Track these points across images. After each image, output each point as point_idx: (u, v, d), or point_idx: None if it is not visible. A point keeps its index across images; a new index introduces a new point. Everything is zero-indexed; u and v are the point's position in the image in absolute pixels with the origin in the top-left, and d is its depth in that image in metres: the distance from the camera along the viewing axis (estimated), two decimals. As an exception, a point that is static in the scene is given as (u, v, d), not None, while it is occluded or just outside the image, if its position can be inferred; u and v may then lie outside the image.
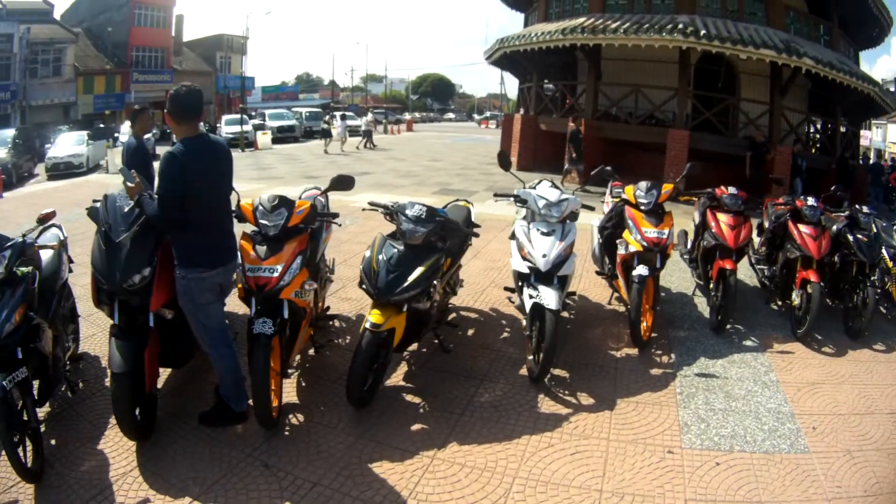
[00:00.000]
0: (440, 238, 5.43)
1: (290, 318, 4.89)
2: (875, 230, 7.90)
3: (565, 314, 7.40)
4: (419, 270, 5.04)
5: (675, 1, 19.20)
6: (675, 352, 6.94)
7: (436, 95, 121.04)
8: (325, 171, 20.89)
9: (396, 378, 5.89)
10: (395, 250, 5.16)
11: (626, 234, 6.86)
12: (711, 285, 7.82)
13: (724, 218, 7.63)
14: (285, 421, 5.03)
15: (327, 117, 36.70)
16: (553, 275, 5.77)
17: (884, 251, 7.97)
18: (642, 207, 6.90)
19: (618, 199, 7.59)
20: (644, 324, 6.76)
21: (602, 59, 20.62)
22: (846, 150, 21.55)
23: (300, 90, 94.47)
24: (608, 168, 7.81)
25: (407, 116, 70.70)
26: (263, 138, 34.57)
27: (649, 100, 19.53)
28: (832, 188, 9.04)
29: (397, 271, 5.01)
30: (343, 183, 5.82)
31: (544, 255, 5.70)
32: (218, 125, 39.32)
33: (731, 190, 7.93)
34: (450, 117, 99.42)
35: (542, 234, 5.84)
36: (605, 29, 18.23)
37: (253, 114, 46.15)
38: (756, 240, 9.02)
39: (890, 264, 8.06)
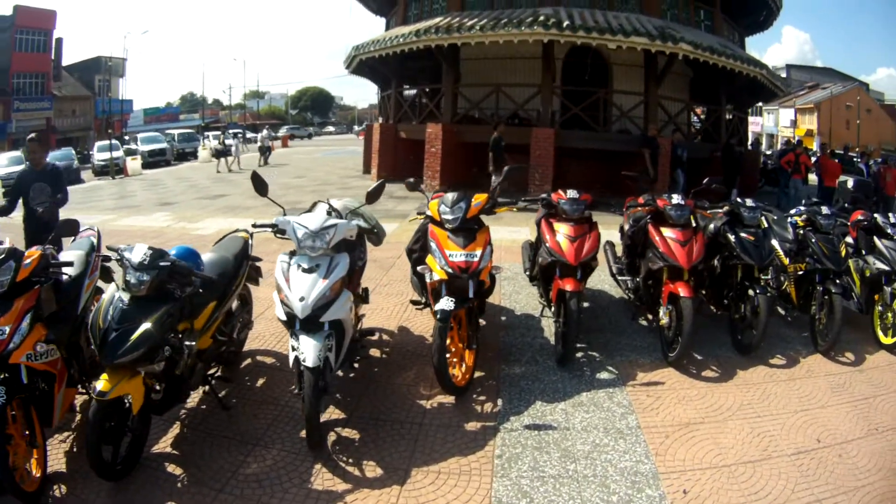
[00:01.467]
0: (181, 284, 4.77)
1: (42, 381, 4.53)
2: (766, 224, 7.34)
3: (376, 353, 6.55)
4: (145, 327, 4.39)
5: (540, -7, 18.58)
6: (504, 396, 5.57)
7: (316, 109, 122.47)
8: (181, 197, 20.70)
9: (166, 442, 5.02)
10: (121, 303, 4.54)
11: (429, 258, 5.83)
12: (553, 309, 6.62)
13: (562, 228, 6.53)
14: (50, 492, 4.40)
15: (221, 138, 36.36)
16: (318, 320, 4.85)
17: (777, 247, 7.45)
18: (447, 225, 5.85)
19: (422, 216, 6.46)
20: (463, 365, 5.69)
21: (462, 60, 19.78)
22: (732, 137, 21.10)
23: (181, 111, 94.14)
24: (411, 179, 6.94)
25: (282, 132, 70.48)
26: (133, 164, 33.55)
27: (511, 99, 18.58)
28: (704, 180, 7.84)
29: (121, 328, 4.39)
30: (67, 228, 5.51)
31: (302, 299, 4.81)
32: (91, 152, 38.74)
33: (571, 194, 6.80)
34: (329, 130, 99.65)
35: (303, 270, 4.99)
36: (461, 27, 17.24)
37: (126, 138, 45.69)
38: (619, 245, 8.07)
39: (786, 261, 7.52)
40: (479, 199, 6.01)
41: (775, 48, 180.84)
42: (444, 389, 5.45)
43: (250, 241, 6.33)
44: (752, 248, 6.56)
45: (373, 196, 5.70)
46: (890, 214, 7.93)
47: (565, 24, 16.17)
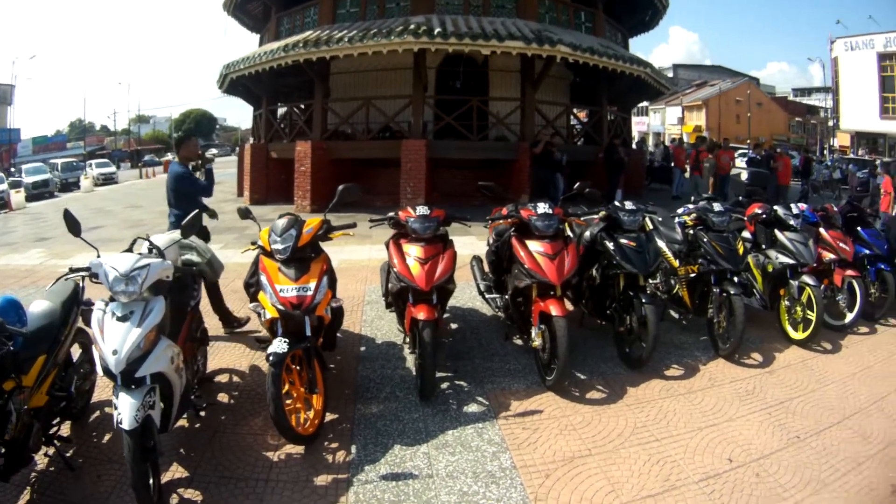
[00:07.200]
0: None
1: None
2: (650, 227, 7.16)
3: (224, 398, 5.76)
4: None
5: (412, 2, 18.01)
6: (358, 441, 4.83)
7: (199, 131, 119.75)
8: (58, 231, 18.73)
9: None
10: None
11: (260, 294, 5.28)
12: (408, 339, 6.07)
13: (412, 250, 5.87)
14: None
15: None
16: (135, 374, 4.26)
17: (665, 249, 7.22)
18: (277, 256, 5.30)
19: (255, 247, 5.76)
20: (311, 410, 5.03)
21: (333, 75, 19.19)
22: (616, 138, 20.23)
23: (68, 139, 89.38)
24: (242, 206, 6.39)
25: (168, 156, 67.19)
26: (17, 197, 31.69)
27: (382, 112, 17.88)
28: (576, 185, 7.19)
29: None
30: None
31: (115, 352, 4.22)
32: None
33: (420, 210, 6.14)
34: (213, 153, 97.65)
35: (117, 319, 4.40)
36: (329, 40, 16.39)
37: (13, 170, 43.99)
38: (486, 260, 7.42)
39: (675, 263, 7.22)
40: (311, 224, 5.48)
41: (662, 49, 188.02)
42: (289, 440, 4.74)
43: (81, 285, 5.64)
44: (633, 255, 6.06)
45: (187, 229, 5.17)
46: (792, 206, 7.72)
47: (436, 31, 15.60)
